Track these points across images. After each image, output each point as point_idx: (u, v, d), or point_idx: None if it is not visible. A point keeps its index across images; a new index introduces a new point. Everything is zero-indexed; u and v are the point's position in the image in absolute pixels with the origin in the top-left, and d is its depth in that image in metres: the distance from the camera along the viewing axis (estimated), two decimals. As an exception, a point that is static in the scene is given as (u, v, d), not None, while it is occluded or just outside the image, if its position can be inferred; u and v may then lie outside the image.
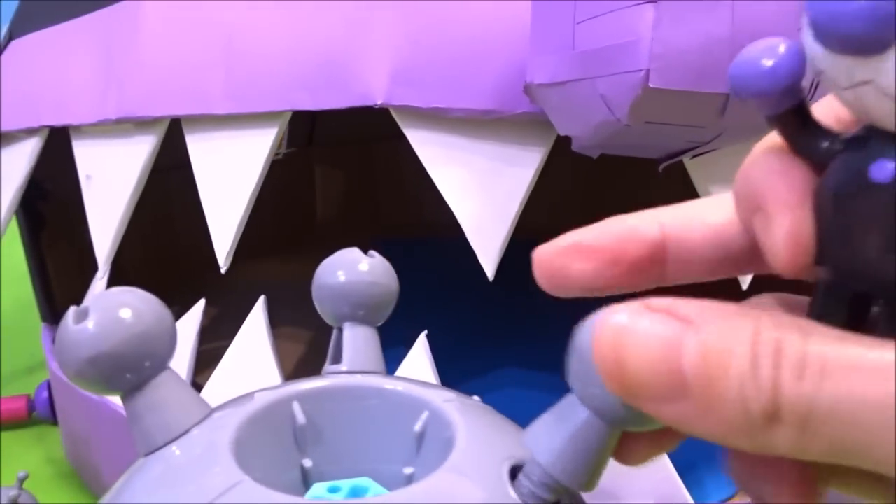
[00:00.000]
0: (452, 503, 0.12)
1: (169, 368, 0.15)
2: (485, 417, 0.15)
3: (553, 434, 0.12)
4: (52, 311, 0.52)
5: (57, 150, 0.44)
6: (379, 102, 0.31)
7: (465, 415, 0.14)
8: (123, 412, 0.38)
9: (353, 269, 0.19)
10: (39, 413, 0.50)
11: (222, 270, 0.35)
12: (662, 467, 0.33)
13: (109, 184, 0.39)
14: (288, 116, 0.34)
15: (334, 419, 0.16)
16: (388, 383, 0.16)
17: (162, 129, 0.37)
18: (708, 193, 0.32)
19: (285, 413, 0.16)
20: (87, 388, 0.14)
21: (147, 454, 0.14)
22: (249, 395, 0.16)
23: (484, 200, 0.31)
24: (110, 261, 0.41)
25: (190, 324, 0.39)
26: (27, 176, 0.45)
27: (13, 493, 0.33)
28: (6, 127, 0.44)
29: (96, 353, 0.13)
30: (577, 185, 0.78)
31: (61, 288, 0.53)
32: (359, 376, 0.17)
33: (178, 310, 0.40)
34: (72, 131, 0.41)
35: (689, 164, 0.32)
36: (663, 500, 0.32)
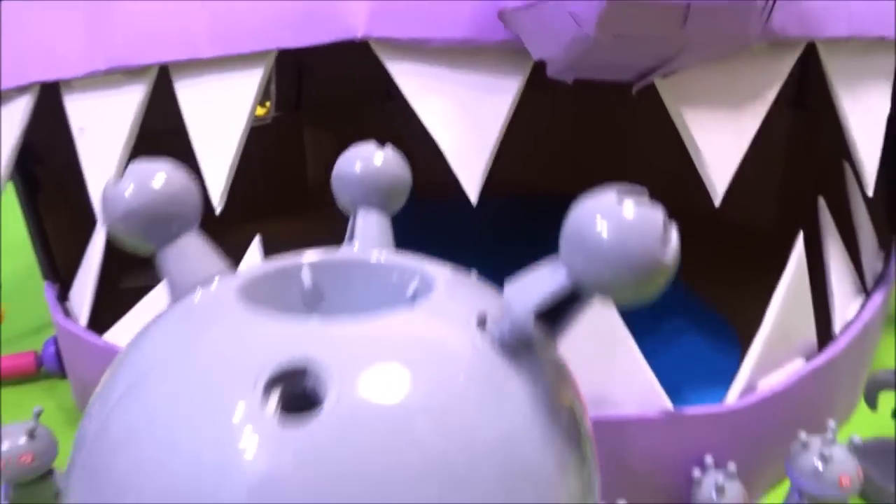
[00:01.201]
0: (415, 334, 0.14)
1: (195, 232, 0.16)
2: (470, 282, 0.16)
3: (532, 288, 0.13)
4: (53, 269, 0.53)
5: (48, 113, 0.45)
6: (360, 35, 0.32)
7: (450, 278, 0.16)
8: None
9: (368, 160, 0.21)
10: (47, 367, 0.52)
11: (217, 211, 0.37)
12: (644, 377, 0.35)
13: (103, 135, 0.40)
14: (273, 57, 0.35)
15: (339, 285, 0.18)
16: (388, 257, 0.18)
17: (151, 78, 0.38)
18: (680, 115, 0.34)
19: (295, 276, 0.17)
20: (125, 243, 0.16)
21: (173, 302, 0.16)
22: (265, 261, 0.17)
23: (465, 128, 0.33)
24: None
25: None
26: (21, 136, 0.46)
27: (31, 425, 0.35)
28: (-3, 86, 0.45)
29: (131, 209, 0.15)
30: (557, 139, 0.80)
31: (60, 248, 0.54)
32: (364, 252, 0.19)
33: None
34: (62, 86, 0.42)
35: (662, 86, 0.33)
36: (645, 407, 0.34)
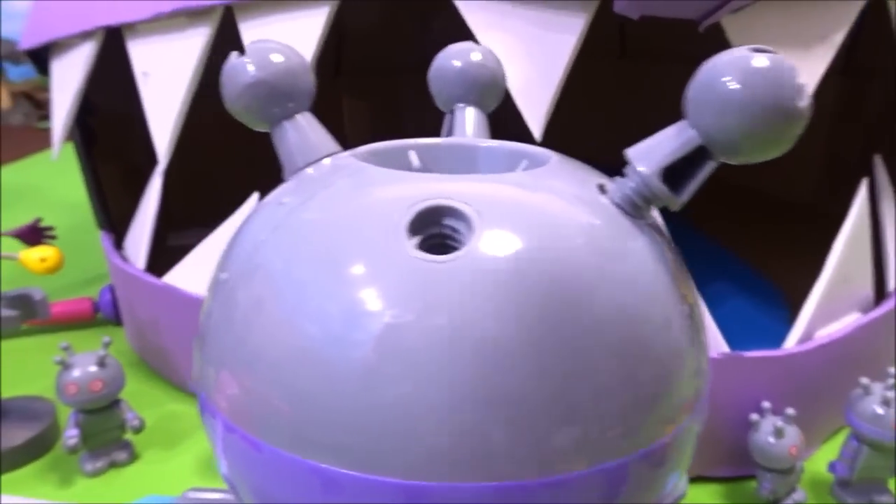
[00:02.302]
0: (546, 188, 0.14)
1: (309, 112, 0.17)
2: (578, 162, 0.16)
3: (657, 149, 0.13)
4: (108, 219, 0.55)
5: (106, 62, 0.46)
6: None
7: (560, 157, 0.16)
8: (188, 295, 0.41)
9: (466, 56, 0.21)
10: (103, 313, 0.53)
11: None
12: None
13: (166, 79, 0.41)
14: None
15: (446, 166, 0.18)
16: (493, 142, 0.18)
17: (215, 20, 0.38)
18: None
19: (403, 157, 0.18)
20: (243, 117, 0.17)
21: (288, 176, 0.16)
22: (372, 144, 0.18)
23: (530, 65, 0.33)
24: (170, 155, 0.43)
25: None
26: (84, 83, 0.47)
27: (101, 353, 0.36)
28: (60, 33, 0.46)
29: (254, 81, 0.16)
30: (592, 109, 0.79)
31: (114, 198, 0.55)
32: (468, 139, 0.19)
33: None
34: (125, 31, 0.42)
35: (728, 25, 0.33)
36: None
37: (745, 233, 0.59)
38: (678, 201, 0.14)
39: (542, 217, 0.13)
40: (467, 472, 0.13)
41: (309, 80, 0.17)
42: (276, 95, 0.16)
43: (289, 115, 0.17)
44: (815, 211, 0.68)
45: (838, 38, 0.35)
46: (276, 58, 0.16)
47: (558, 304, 0.13)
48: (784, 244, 0.58)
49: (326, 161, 0.16)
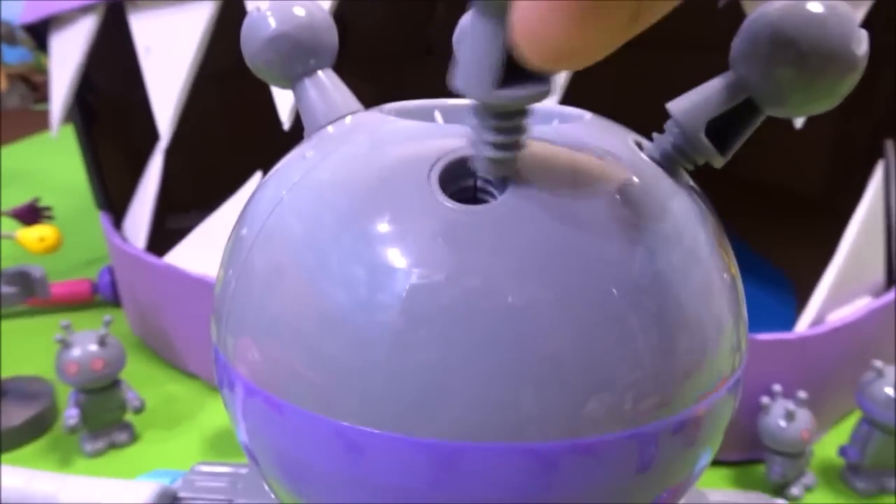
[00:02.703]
0: (582, 142, 0.13)
1: (331, 70, 0.16)
2: (614, 122, 0.16)
3: (702, 102, 0.13)
4: (107, 200, 0.54)
5: (106, 38, 0.45)
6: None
7: (593, 115, 0.15)
8: (189, 275, 0.40)
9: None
10: (102, 294, 0.52)
11: (286, 126, 0.37)
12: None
13: (169, 54, 0.40)
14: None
15: None
16: None
17: (220, -6, 0.38)
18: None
19: (429, 116, 0.17)
20: (264, 73, 0.16)
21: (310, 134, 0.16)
22: (397, 103, 0.17)
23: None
24: (172, 132, 0.42)
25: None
26: (84, 59, 0.46)
27: (102, 332, 0.35)
28: (59, 8, 0.45)
29: (276, 34, 0.15)
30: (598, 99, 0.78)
31: (114, 178, 0.55)
32: None
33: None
34: (128, 5, 0.42)
35: (748, 4, 0.32)
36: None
37: (753, 222, 0.58)
38: (722, 158, 0.13)
39: (577, 172, 0.13)
40: (496, 433, 0.12)
41: (332, 37, 0.16)
42: (298, 50, 0.15)
43: (310, 72, 0.16)
44: (823, 201, 0.67)
45: (860, 12, 0.35)
46: (299, 11, 0.16)
47: (595, 265, 0.12)
48: (791, 233, 0.58)
49: (349, 118, 0.15)
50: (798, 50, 0.12)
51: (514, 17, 0.10)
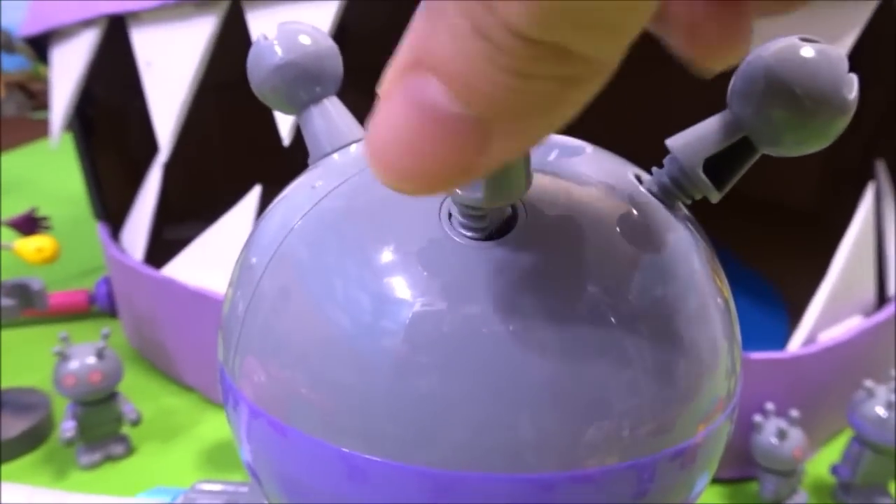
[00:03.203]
0: (583, 176, 0.13)
1: (335, 97, 0.17)
2: (615, 155, 0.16)
3: (699, 139, 0.13)
4: (105, 210, 0.54)
5: (106, 52, 0.45)
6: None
7: (594, 148, 0.16)
8: (188, 288, 0.40)
9: None
10: (99, 305, 0.52)
11: (285, 143, 0.37)
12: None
13: (170, 69, 0.41)
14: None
15: None
16: None
17: (222, 9, 0.38)
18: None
19: None
20: (270, 100, 0.16)
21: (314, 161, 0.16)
22: None
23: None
24: (172, 145, 0.42)
25: (247, 209, 0.41)
26: (85, 72, 0.46)
27: (100, 345, 0.35)
28: (61, 21, 0.45)
29: (282, 63, 0.16)
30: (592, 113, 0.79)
31: (112, 189, 0.55)
32: None
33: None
34: (129, 19, 0.42)
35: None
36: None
37: (744, 236, 0.59)
38: (718, 194, 0.14)
39: (578, 205, 0.13)
40: (495, 463, 0.12)
41: (337, 65, 0.16)
42: (304, 79, 0.16)
43: (316, 100, 0.16)
44: (813, 215, 0.68)
45: (849, 40, 0.35)
46: (305, 40, 0.16)
47: (595, 295, 0.12)
48: (782, 248, 0.58)
49: (353, 147, 0.16)
50: (791, 93, 0.12)
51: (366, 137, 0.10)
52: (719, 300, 0.14)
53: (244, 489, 0.19)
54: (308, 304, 0.13)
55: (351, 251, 0.13)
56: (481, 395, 0.12)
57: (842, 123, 0.12)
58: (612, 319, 0.13)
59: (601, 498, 0.13)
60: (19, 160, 1.03)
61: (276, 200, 0.16)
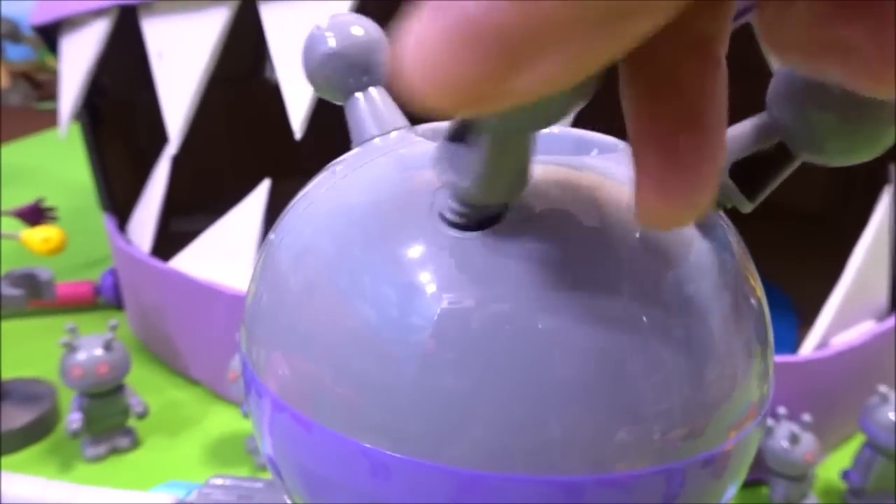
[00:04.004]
0: (616, 174, 0.13)
1: (382, 87, 0.17)
2: None
3: (731, 142, 0.12)
4: (112, 201, 0.54)
5: (116, 43, 0.45)
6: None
7: (627, 145, 0.15)
8: (195, 281, 0.40)
9: None
10: (104, 297, 0.52)
11: (297, 136, 0.37)
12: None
13: (182, 61, 0.40)
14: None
15: None
16: (559, 129, 0.17)
17: (235, 1, 0.38)
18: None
19: None
20: (322, 87, 0.17)
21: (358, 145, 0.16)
22: (434, 123, 0.17)
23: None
24: (182, 137, 0.42)
25: (256, 203, 0.41)
26: (95, 62, 0.46)
27: (107, 337, 0.35)
28: (72, 10, 0.45)
29: (334, 52, 0.16)
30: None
31: (119, 180, 0.55)
32: None
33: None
34: (141, 9, 0.42)
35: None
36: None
37: (753, 240, 0.58)
38: (750, 204, 0.13)
39: (613, 202, 0.13)
40: (521, 463, 0.12)
41: (383, 56, 0.17)
42: (354, 68, 0.16)
43: (362, 88, 0.16)
44: (823, 220, 0.68)
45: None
46: (357, 31, 0.16)
47: (628, 294, 0.12)
48: (791, 251, 0.58)
49: (393, 134, 0.16)
50: (838, 97, 0.12)
51: (405, 54, 0.09)
52: (753, 301, 0.14)
53: (259, 485, 0.19)
54: (334, 297, 0.13)
55: (376, 245, 0.13)
56: (509, 394, 0.12)
57: (892, 130, 0.12)
58: (645, 319, 0.12)
59: (628, 502, 0.13)
60: (25, 150, 1.02)
61: (302, 192, 0.15)
